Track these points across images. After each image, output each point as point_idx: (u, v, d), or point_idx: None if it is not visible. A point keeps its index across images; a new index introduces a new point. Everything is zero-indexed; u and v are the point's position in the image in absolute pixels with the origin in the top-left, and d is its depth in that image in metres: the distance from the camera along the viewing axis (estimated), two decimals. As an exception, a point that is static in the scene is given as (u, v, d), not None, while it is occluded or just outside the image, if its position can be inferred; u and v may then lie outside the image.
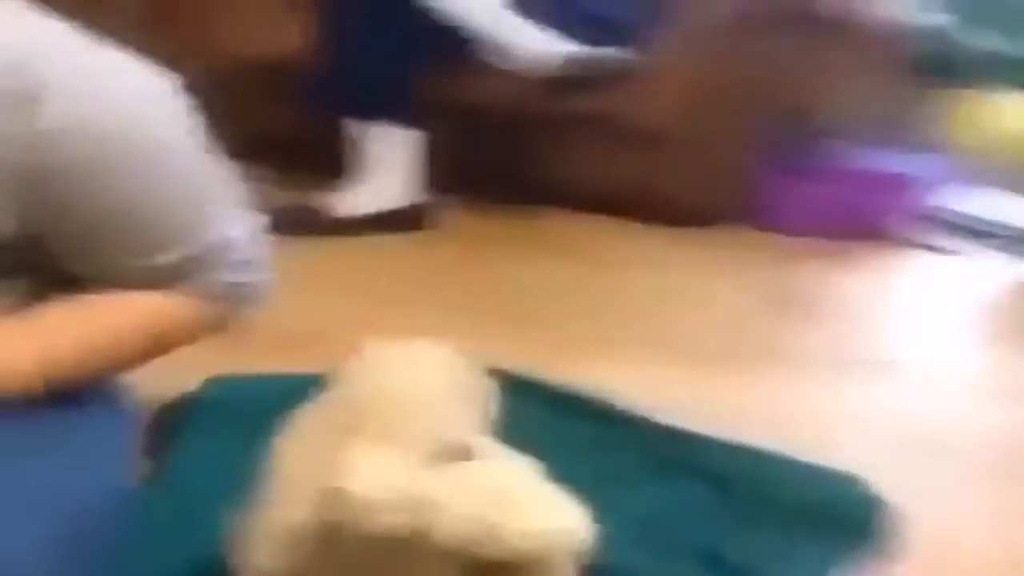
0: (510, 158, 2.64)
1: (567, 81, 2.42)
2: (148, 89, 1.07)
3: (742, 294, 2.30)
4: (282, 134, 2.55)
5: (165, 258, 1.09)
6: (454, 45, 2.39)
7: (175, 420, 1.31)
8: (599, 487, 1.25)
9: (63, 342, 1.07)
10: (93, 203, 1.03)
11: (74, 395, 1.07)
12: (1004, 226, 2.78)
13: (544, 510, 1.04)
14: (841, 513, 1.33)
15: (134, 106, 1.04)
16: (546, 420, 1.41)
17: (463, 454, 1.05)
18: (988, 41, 2.94)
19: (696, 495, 1.36)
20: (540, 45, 2.39)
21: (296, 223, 2.36)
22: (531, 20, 2.43)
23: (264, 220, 1.21)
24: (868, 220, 2.73)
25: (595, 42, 2.47)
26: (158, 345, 1.14)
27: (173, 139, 1.08)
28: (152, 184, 1.06)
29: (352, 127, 2.43)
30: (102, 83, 1.02)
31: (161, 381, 1.28)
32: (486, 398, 1.17)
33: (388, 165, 2.44)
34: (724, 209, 2.70)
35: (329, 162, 2.46)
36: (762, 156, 2.71)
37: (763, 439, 1.49)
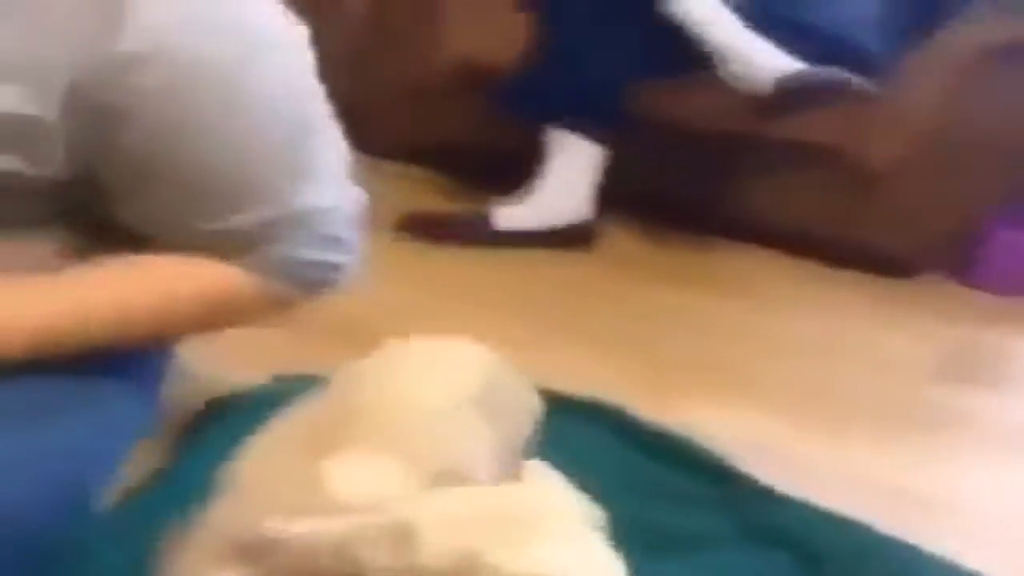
0: (695, 180, 2.49)
1: (782, 103, 2.24)
2: (265, 24, 0.94)
3: (922, 353, 2.08)
4: (483, 141, 2.50)
5: (240, 220, 0.96)
6: (680, 58, 2.26)
7: (217, 418, 1.23)
8: (662, 542, 1.11)
9: (102, 300, 0.95)
10: (170, 142, 0.91)
11: (104, 363, 0.96)
12: None
13: (550, 551, 0.90)
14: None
15: (243, 38, 0.91)
16: (612, 456, 1.28)
17: (467, 479, 0.93)
18: None
19: (777, 566, 1.20)
20: (763, 62, 2.21)
21: (460, 231, 2.30)
22: (768, 38, 2.25)
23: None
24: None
25: (832, 66, 2.28)
26: (213, 320, 1.02)
27: (280, 85, 0.95)
28: (244, 130, 0.93)
29: (545, 136, 2.34)
30: (208, 5, 0.89)
31: (214, 367, 1.22)
32: (526, 418, 1.04)
33: (567, 180, 2.35)
34: (927, 260, 2.47)
35: (520, 172, 2.38)
36: (987, 207, 2.46)
37: (896, 518, 1.31)
